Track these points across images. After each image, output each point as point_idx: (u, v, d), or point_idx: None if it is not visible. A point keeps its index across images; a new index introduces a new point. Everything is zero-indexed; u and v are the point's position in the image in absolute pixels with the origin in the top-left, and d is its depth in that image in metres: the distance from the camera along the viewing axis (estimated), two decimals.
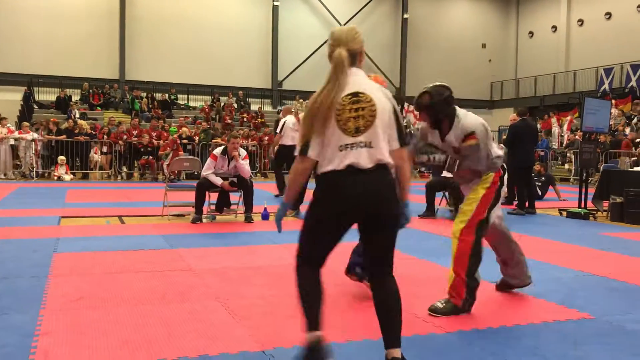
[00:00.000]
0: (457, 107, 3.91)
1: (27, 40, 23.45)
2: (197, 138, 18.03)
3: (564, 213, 9.52)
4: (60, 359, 2.84)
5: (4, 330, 3.26)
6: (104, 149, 16.93)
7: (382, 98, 2.68)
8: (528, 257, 5.80)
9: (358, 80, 2.70)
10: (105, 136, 17.12)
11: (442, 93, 3.87)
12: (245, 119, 23.62)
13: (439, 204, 9.09)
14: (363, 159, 2.59)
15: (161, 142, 16.82)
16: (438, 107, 3.84)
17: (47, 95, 23.57)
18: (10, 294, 4.02)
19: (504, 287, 4.41)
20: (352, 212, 2.64)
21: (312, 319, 2.66)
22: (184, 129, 18.36)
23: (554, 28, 29.04)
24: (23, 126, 16.56)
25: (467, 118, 3.85)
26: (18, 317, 3.50)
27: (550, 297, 4.24)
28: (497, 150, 3.92)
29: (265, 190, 12.48)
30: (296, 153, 2.69)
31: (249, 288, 4.35)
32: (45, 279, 4.44)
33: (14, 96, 22.30)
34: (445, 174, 8.87)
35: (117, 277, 4.60)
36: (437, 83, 4.00)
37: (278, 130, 10.28)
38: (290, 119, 10.17)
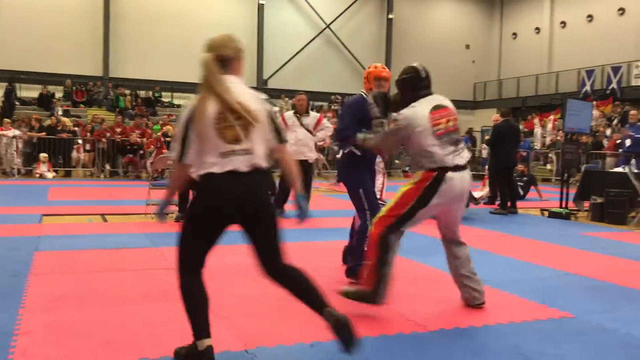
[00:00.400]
0: (426, 98, 3.92)
1: (8, 35, 23.13)
2: None
3: (546, 213, 9.62)
4: (40, 359, 2.81)
5: None
6: (87, 147, 16.77)
7: (259, 106, 2.79)
8: (510, 257, 5.88)
9: (237, 89, 2.77)
10: (88, 134, 16.96)
11: (405, 72, 3.98)
12: None
13: None
14: (242, 165, 2.71)
15: (145, 140, 16.71)
16: (397, 84, 3.99)
17: (30, 91, 23.25)
18: None
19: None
20: (229, 213, 2.76)
21: (201, 327, 2.78)
22: (168, 127, 18.20)
23: (537, 30, 29.30)
24: (4, 123, 16.35)
25: (410, 107, 3.84)
26: None
27: (531, 296, 4.29)
28: (432, 149, 3.74)
29: None
30: (173, 158, 2.84)
31: (231, 287, 4.34)
32: (26, 277, 4.39)
33: None
34: None
35: (100, 275, 4.56)
36: (414, 63, 4.04)
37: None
38: None
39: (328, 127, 9.15)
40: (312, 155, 8.65)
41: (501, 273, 5.12)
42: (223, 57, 2.77)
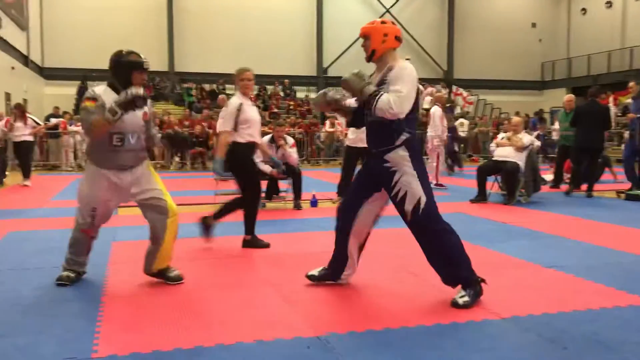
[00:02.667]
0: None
1: (80, 35, 24.16)
2: None
3: (622, 195, 9.20)
4: (123, 344, 2.95)
5: (68, 316, 3.40)
6: None
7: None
8: (584, 241, 5.65)
9: None
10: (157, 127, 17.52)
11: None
12: (291, 107, 23.74)
13: (491, 188, 8.93)
14: None
15: (210, 131, 17.13)
16: None
17: None
18: (72, 284, 4.18)
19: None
20: None
21: None
22: None
23: (609, 4, 27.90)
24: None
25: None
26: (81, 304, 3.65)
27: (608, 282, 4.12)
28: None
29: (313, 177, 12.55)
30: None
31: (301, 274, 4.39)
32: (105, 267, 4.61)
33: (69, 90, 23.05)
34: (497, 157, 8.73)
35: (173, 264, 4.72)
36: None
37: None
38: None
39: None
40: None
41: (575, 258, 4.94)
42: None
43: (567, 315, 3.43)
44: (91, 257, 4.92)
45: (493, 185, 9.04)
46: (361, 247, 4.05)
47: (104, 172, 3.97)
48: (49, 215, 7.42)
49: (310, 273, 4.08)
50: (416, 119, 3.84)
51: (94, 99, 3.83)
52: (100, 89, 3.95)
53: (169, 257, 4.16)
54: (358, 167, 8.64)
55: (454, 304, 3.54)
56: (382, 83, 3.70)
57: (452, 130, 14.46)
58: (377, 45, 3.76)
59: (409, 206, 3.62)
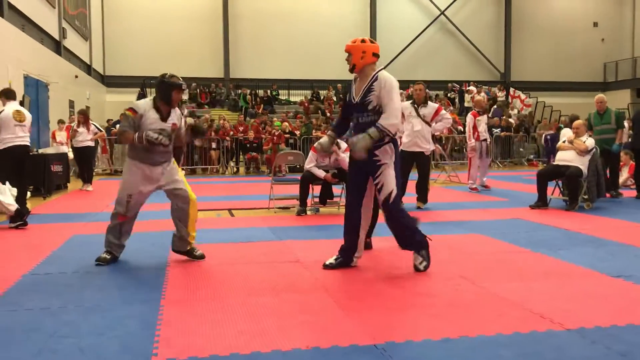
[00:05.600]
0: None
1: (138, 44, 24.95)
2: (298, 132, 18.41)
3: None
4: (181, 347, 2.98)
5: (129, 319, 3.47)
6: (213, 145, 17.64)
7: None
8: None
9: None
10: (213, 133, 17.85)
11: None
12: None
13: (552, 194, 8.64)
14: None
15: (264, 137, 17.34)
16: None
17: None
18: (133, 286, 4.29)
19: None
20: None
21: None
22: (285, 123, 18.82)
23: None
24: None
25: None
26: (141, 307, 3.71)
27: None
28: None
29: None
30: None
31: (356, 280, 4.36)
32: (164, 270, 4.69)
33: (129, 97, 23.75)
34: (558, 161, 8.45)
35: (230, 268, 4.77)
36: None
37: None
38: None
39: (447, 118, 8.93)
40: (428, 147, 8.46)
41: None
42: None
43: (638, 328, 3.25)
44: (151, 261, 5.03)
45: (554, 191, 8.75)
46: (370, 232, 5.19)
47: (140, 165, 4.86)
48: (109, 219, 7.64)
49: (327, 262, 4.70)
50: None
51: (135, 111, 4.78)
52: (145, 104, 4.86)
53: (193, 238, 5.04)
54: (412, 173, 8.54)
55: (416, 269, 4.50)
56: (369, 91, 4.42)
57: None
58: (357, 60, 4.47)
59: (382, 196, 4.48)
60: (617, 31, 29.56)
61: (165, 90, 4.78)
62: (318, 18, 26.46)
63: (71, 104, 18.85)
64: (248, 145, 17.30)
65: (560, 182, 8.66)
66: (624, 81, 28.44)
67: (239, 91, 24.67)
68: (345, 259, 4.72)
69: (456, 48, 28.16)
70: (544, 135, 19.38)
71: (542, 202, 8.34)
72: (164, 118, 4.83)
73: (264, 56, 26.11)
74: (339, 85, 25.89)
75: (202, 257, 5.04)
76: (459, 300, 3.81)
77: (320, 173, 7.91)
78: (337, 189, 8.40)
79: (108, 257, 4.93)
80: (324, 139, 4.92)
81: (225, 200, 9.81)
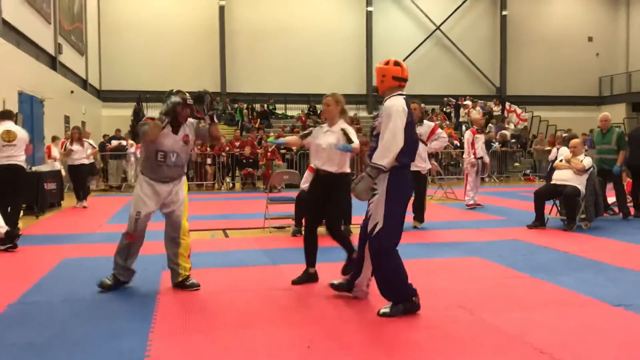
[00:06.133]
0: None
1: (134, 58, 24.93)
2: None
3: None
4: None
5: (117, 352, 3.36)
6: (208, 161, 17.55)
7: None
8: None
9: None
10: (208, 148, 17.76)
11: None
12: None
13: (549, 213, 8.56)
14: None
15: (260, 151, 17.26)
16: None
17: (155, 110, 24.75)
18: (122, 316, 4.16)
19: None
20: None
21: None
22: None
23: None
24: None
25: None
26: (129, 341, 3.59)
27: None
28: None
29: None
30: None
31: (351, 312, 4.24)
32: (155, 299, 4.57)
33: (125, 112, 23.73)
34: (555, 180, 8.38)
35: (222, 297, 4.66)
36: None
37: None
38: None
39: (443, 137, 8.86)
40: (424, 166, 8.39)
41: None
42: None
43: None
44: (142, 288, 4.91)
45: (552, 209, 8.67)
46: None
47: (150, 182, 4.82)
48: (102, 240, 7.52)
49: (335, 282, 4.63)
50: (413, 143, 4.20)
51: (149, 118, 4.84)
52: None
53: (185, 269, 4.91)
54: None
55: (378, 313, 4.08)
56: (376, 117, 4.27)
57: None
58: (378, 83, 4.32)
59: (369, 226, 4.12)
60: (612, 46, 29.70)
61: (170, 107, 4.80)
62: (314, 32, 26.51)
63: (67, 120, 18.75)
64: (244, 161, 17.21)
65: (557, 201, 8.58)
66: (619, 95, 28.52)
67: (236, 105, 24.63)
68: (350, 282, 4.53)
69: (452, 63, 28.22)
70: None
71: (539, 222, 8.26)
72: (175, 131, 4.84)
73: (261, 70, 26.11)
74: None
75: (194, 286, 4.87)
76: (457, 334, 3.70)
77: None
78: None
79: (109, 282, 4.83)
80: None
81: (220, 219, 9.69)
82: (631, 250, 6.61)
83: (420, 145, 8.35)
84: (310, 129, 5.48)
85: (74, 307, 4.38)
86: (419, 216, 8.45)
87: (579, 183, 8.08)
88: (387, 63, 4.28)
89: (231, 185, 17.61)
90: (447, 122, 23.60)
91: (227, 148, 17.54)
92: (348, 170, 5.03)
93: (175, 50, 25.28)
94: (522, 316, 4.04)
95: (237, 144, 17.86)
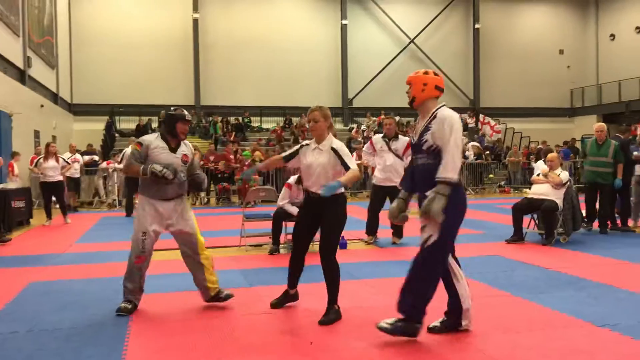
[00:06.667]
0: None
1: (106, 72, 24.54)
2: None
3: None
4: None
5: None
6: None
7: None
8: (638, 292, 5.22)
9: None
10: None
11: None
12: None
13: (527, 227, 8.54)
14: None
15: (237, 165, 17.02)
16: None
17: (128, 123, 24.42)
18: (93, 344, 3.96)
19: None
20: None
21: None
22: (257, 152, 18.49)
23: (639, 29, 27.44)
24: (112, 156, 17.20)
25: None
26: None
27: None
28: None
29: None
30: None
31: (333, 338, 4.10)
32: (127, 326, 4.37)
33: (97, 126, 23.32)
34: (532, 194, 8.37)
35: (197, 323, 4.48)
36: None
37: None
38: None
39: None
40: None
41: (630, 314, 4.53)
42: None
43: None
44: (113, 314, 4.72)
45: (529, 223, 8.65)
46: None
47: (151, 201, 4.80)
48: (72, 261, 7.27)
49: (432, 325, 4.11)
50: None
51: (140, 144, 4.82)
52: (152, 137, 4.91)
53: (213, 282, 4.95)
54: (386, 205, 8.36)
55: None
56: (426, 130, 3.98)
57: None
58: (417, 93, 4.11)
59: (422, 238, 4.05)
60: (582, 58, 30.23)
61: (170, 123, 4.84)
62: (290, 46, 26.46)
63: (37, 134, 18.31)
64: (219, 175, 16.97)
65: (535, 215, 8.57)
66: (590, 107, 29.02)
67: (210, 118, 24.40)
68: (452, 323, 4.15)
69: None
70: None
71: (517, 237, 8.24)
72: (173, 149, 4.86)
73: (236, 83, 25.93)
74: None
75: (229, 297, 4.97)
76: (443, 356, 3.58)
77: (294, 210, 7.64)
78: None
79: (129, 306, 4.75)
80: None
81: None
82: (611, 266, 6.59)
83: (396, 160, 8.31)
84: (295, 148, 4.93)
85: (39, 339, 4.14)
86: (398, 232, 8.36)
87: (557, 197, 8.07)
88: (426, 72, 4.12)
89: (206, 200, 17.34)
90: None
91: (202, 163, 17.28)
92: (342, 190, 4.57)
93: (148, 63, 24.97)
94: (507, 339, 3.94)
95: (212, 157, 17.60)
